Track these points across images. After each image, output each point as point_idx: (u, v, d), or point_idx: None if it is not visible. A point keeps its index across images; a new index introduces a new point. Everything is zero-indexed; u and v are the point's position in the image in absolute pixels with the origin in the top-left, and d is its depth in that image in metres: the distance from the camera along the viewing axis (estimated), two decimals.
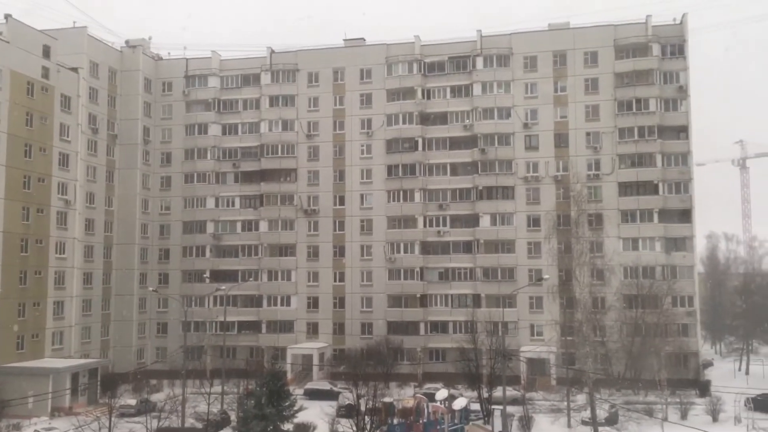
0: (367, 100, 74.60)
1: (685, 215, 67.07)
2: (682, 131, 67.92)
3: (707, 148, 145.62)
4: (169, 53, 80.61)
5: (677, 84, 68.05)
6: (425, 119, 73.08)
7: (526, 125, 70.20)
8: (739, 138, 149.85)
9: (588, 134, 69.04)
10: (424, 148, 72.54)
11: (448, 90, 73.15)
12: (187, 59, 78.91)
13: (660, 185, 67.00)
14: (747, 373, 73.22)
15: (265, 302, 74.22)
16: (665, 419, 45.80)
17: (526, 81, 70.88)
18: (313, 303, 73.58)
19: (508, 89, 71.04)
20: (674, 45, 68.82)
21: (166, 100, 78.60)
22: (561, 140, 69.65)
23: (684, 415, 51.16)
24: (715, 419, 50.54)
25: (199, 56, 78.64)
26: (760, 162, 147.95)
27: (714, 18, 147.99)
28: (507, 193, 70.15)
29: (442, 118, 73.01)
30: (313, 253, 74.18)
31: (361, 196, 73.83)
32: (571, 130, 69.46)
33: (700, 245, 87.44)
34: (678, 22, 69.10)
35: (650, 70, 67.96)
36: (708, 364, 73.67)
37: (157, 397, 55.96)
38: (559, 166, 69.18)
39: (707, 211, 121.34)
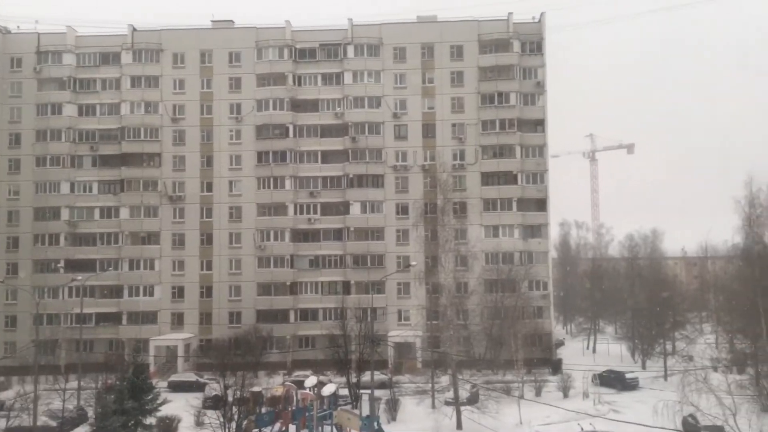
0: (236, 84, 72.96)
1: (540, 204, 71.20)
2: (539, 124, 71.92)
3: (561, 141, 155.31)
4: (18, 26, 74.71)
5: (535, 79, 71.87)
6: (296, 106, 72.59)
7: (395, 115, 71.55)
8: (590, 132, 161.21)
9: (454, 125, 71.48)
10: (295, 135, 72.09)
11: (320, 77, 73.04)
12: (39, 34, 73.50)
13: (519, 175, 70.65)
14: (594, 351, 79.19)
15: (126, 292, 70.97)
16: (521, 397, 48.56)
17: (396, 71, 72.16)
18: (179, 293, 71.32)
19: (378, 79, 72.01)
20: (533, 42, 72.54)
21: (15, 77, 72.93)
22: (429, 131, 71.63)
23: (538, 392, 54.63)
24: (565, 395, 54.35)
25: (53, 31, 73.41)
26: (608, 155, 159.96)
27: (570, 18, 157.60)
28: (377, 181, 71.26)
29: (313, 105, 72.82)
30: (179, 241, 71.81)
31: (230, 182, 72.27)
32: (438, 121, 71.60)
33: (554, 232, 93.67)
34: (537, 20, 72.89)
35: (511, 65, 71.30)
36: (560, 344, 78.88)
37: (5, 395, 52.15)
38: (427, 155, 71.14)
39: (561, 201, 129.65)
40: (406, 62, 72.16)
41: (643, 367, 67.00)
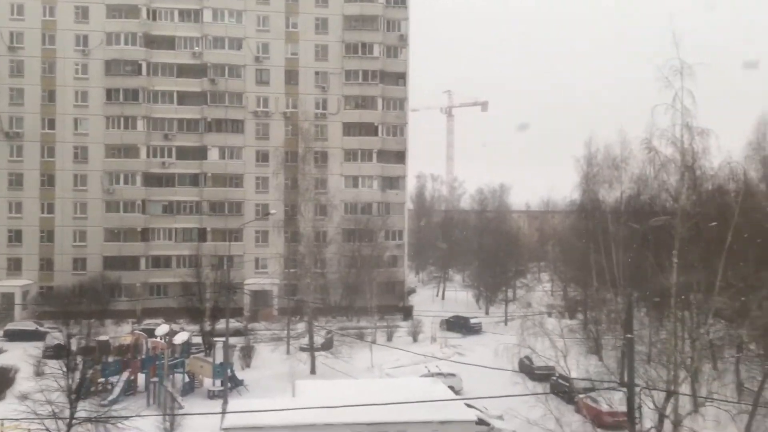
0: (83, 13, 67.51)
1: (399, 156, 72.75)
2: (401, 78, 72.89)
3: (421, 96, 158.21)
4: None
5: (399, 32, 72.45)
6: (150, 42, 68.51)
7: (257, 59, 69.59)
8: (447, 88, 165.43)
9: (317, 73, 70.75)
10: (148, 73, 68.21)
11: (177, 13, 69.25)
12: None
13: (380, 127, 71.58)
14: (443, 298, 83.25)
15: None
16: (374, 342, 50.37)
17: (259, 13, 69.89)
18: (16, 236, 66.38)
19: (240, 19, 69.47)
20: None
21: None
22: (291, 77, 70.43)
23: (390, 338, 56.87)
24: (415, 340, 56.99)
25: None
26: (464, 111, 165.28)
27: None
28: (237, 126, 69.39)
29: (169, 43, 69.08)
30: (16, 182, 66.45)
31: (75, 120, 67.47)
32: (301, 68, 70.51)
33: (411, 184, 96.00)
34: None
35: (375, 16, 71.30)
36: (412, 291, 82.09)
37: None
38: (289, 102, 70.13)
39: (418, 154, 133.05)
40: (270, 4, 70.04)
41: (487, 312, 71.45)
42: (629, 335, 21.01)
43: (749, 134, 39.00)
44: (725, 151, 28.77)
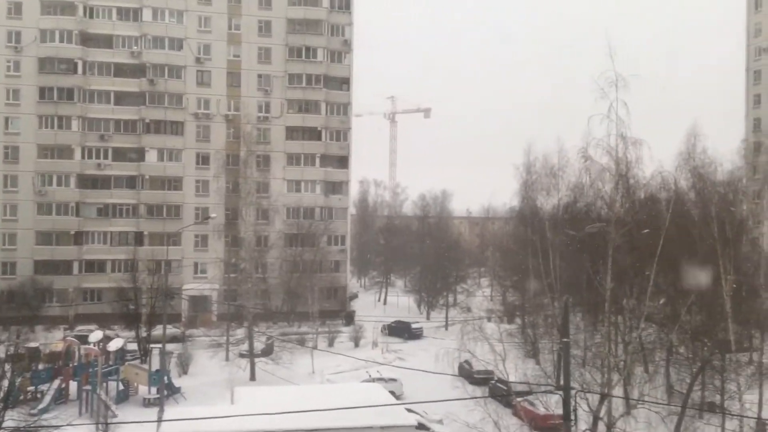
0: (16, 9, 65.16)
1: (342, 161, 72.69)
2: (344, 83, 72.89)
3: (365, 101, 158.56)
4: None
5: (343, 37, 72.46)
6: (87, 40, 66.60)
7: (198, 60, 68.48)
8: (391, 94, 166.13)
9: (260, 76, 70.07)
10: (84, 72, 66.30)
11: (115, 11, 67.53)
12: None
13: (323, 132, 71.33)
14: (385, 303, 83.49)
15: None
16: (315, 347, 50.05)
17: (200, 14, 68.81)
18: None
19: (180, 19, 68.24)
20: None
21: None
22: (233, 79, 69.55)
23: (331, 343, 56.64)
24: (357, 345, 56.94)
25: None
26: (407, 117, 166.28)
27: None
28: (176, 128, 68.05)
29: (106, 41, 67.28)
30: None
31: (6, 119, 65.04)
32: (243, 70, 69.72)
33: (354, 189, 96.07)
34: None
35: (320, 20, 71.11)
36: (354, 297, 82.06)
37: None
38: (231, 105, 69.23)
39: (361, 159, 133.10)
40: (212, 5, 69.03)
41: (428, 317, 72.03)
42: (565, 339, 21.43)
43: (679, 145, 40.43)
44: (657, 160, 29.84)
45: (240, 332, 51.70)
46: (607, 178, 26.55)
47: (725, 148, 54.37)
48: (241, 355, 47.23)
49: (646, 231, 31.23)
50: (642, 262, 29.89)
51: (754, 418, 31.51)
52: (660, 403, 29.56)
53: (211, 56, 68.94)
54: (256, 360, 45.46)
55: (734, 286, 33.12)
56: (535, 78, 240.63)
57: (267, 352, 48.20)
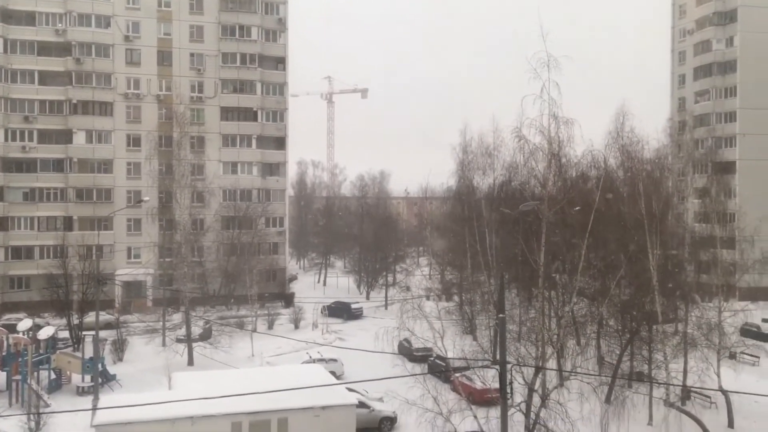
0: None
1: (279, 142, 71.86)
2: (280, 62, 71.84)
3: (301, 81, 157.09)
4: None
5: (278, 16, 71.28)
6: (8, 17, 63.54)
7: (127, 38, 66.22)
8: (328, 74, 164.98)
9: (192, 55, 68.34)
10: (6, 51, 63.30)
11: None
12: None
13: (259, 112, 70.29)
14: (325, 284, 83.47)
15: None
16: (254, 330, 49.74)
17: None
18: None
19: None
20: None
21: None
22: (165, 58, 67.62)
23: (271, 326, 56.39)
24: (296, 327, 56.86)
25: None
26: (344, 97, 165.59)
27: None
28: (105, 109, 65.83)
29: (29, 18, 64.27)
30: None
31: None
32: (175, 48, 67.83)
33: (292, 171, 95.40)
34: None
35: None
36: (293, 278, 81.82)
37: None
38: (163, 85, 67.35)
39: (299, 140, 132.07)
40: None
41: (368, 297, 72.45)
42: (501, 315, 21.97)
43: (608, 124, 41.60)
44: (588, 140, 30.65)
45: (177, 317, 50.88)
46: (540, 157, 27.13)
47: (652, 127, 56.57)
48: (178, 340, 46.44)
49: (577, 208, 32.16)
50: (574, 238, 30.79)
51: (680, 385, 33.07)
52: (591, 374, 30.65)
53: (140, 34, 66.75)
54: (194, 345, 44.85)
55: (661, 260, 34.46)
56: (473, 58, 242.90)
57: (205, 336, 47.61)
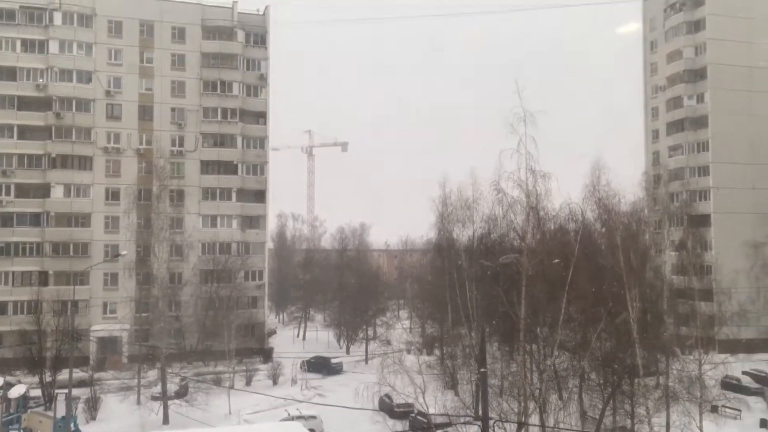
0: None
1: (260, 195, 71.83)
2: (261, 116, 72.47)
3: (282, 135, 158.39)
4: None
5: (259, 71, 72.24)
6: None
7: (108, 93, 66.57)
8: (308, 128, 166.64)
9: (173, 110, 68.77)
10: None
11: (19, 42, 64.83)
12: None
13: (239, 166, 70.44)
14: (304, 338, 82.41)
15: None
16: (232, 387, 48.74)
17: (110, 46, 67.07)
18: None
19: (89, 52, 66.29)
20: (257, 34, 72.72)
21: None
22: (145, 113, 67.93)
23: (249, 382, 55.28)
24: (275, 383, 55.82)
25: None
26: (324, 151, 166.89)
27: (296, 15, 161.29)
28: (84, 163, 65.59)
29: (10, 74, 64.39)
30: None
31: None
32: (156, 103, 68.24)
33: (272, 223, 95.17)
34: (261, 13, 73.31)
35: (235, 54, 70.74)
36: (272, 333, 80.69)
37: None
38: (143, 139, 67.46)
39: (279, 193, 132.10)
40: (123, 38, 67.46)
41: (348, 352, 71.55)
42: (483, 369, 21.82)
43: (585, 177, 42.23)
44: (565, 193, 31.13)
45: (152, 374, 49.81)
46: (519, 210, 27.48)
47: (628, 181, 57.57)
48: (154, 398, 45.37)
49: (557, 261, 32.34)
50: (554, 291, 30.86)
51: None
52: (574, 430, 30.34)
53: (121, 89, 67.16)
54: (170, 402, 43.77)
55: (640, 312, 34.62)
56: (450, 113, 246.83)
57: (181, 393, 46.53)
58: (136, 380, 49.06)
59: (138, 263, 59.01)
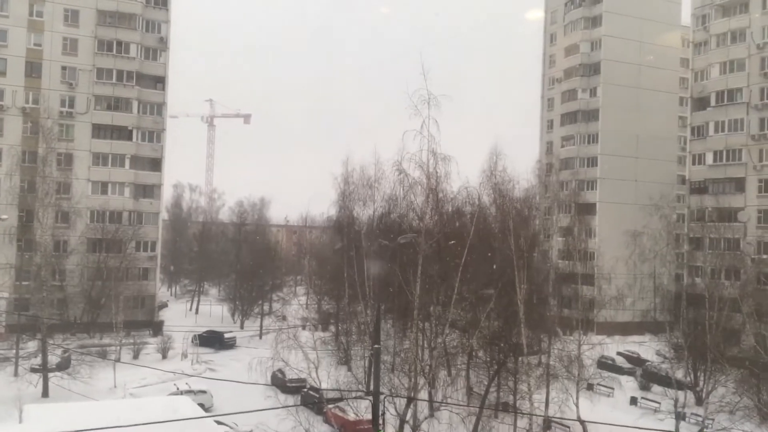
0: None
1: (155, 163, 69.26)
2: (159, 82, 69.62)
3: (181, 102, 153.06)
4: None
5: (159, 34, 69.27)
6: None
7: None
8: (209, 97, 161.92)
9: (64, 68, 64.84)
10: None
11: None
12: None
13: (134, 132, 67.54)
14: (197, 312, 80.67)
15: None
16: (118, 360, 47.16)
17: None
18: None
19: None
20: None
21: None
22: (33, 69, 63.66)
23: (137, 355, 53.69)
24: (164, 356, 54.46)
25: None
26: (226, 122, 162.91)
27: None
28: None
29: None
30: None
31: None
32: (45, 60, 64.09)
33: (167, 193, 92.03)
34: None
35: (134, 14, 67.37)
36: (163, 306, 78.49)
37: None
38: (29, 97, 63.29)
39: (176, 162, 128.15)
40: None
41: (242, 327, 70.74)
42: (376, 345, 22.20)
43: (483, 162, 43.43)
44: (464, 176, 31.93)
45: (32, 345, 47.35)
46: (419, 191, 27.99)
47: (522, 168, 59.76)
48: (33, 370, 43.17)
49: (452, 242, 33.23)
50: (448, 271, 31.74)
51: (542, 416, 34.63)
52: (460, 405, 31.52)
53: (6, 43, 62.63)
54: (50, 375, 41.85)
55: (527, 294, 36.20)
56: (355, 91, 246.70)
57: (63, 366, 44.54)
58: (14, 351, 46.54)
59: (20, 229, 55.76)
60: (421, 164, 26.56)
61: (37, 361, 43.59)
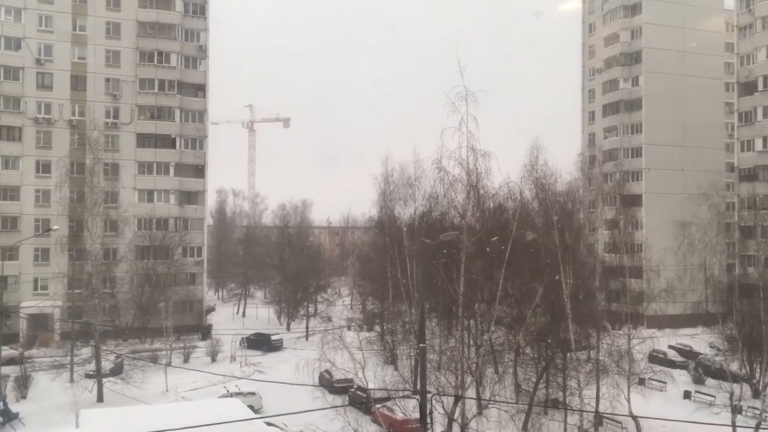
0: None
1: (198, 170, 70.43)
2: (200, 89, 70.77)
3: (222, 109, 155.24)
4: None
5: (198, 43, 70.42)
6: None
7: (39, 61, 63.78)
8: (249, 103, 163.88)
9: (108, 80, 66.43)
10: None
11: None
12: None
13: (177, 140, 68.81)
14: (244, 315, 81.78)
15: None
16: (169, 364, 48.06)
17: (41, 12, 64.14)
18: None
19: (18, 18, 63.30)
20: (197, 4, 70.64)
21: None
22: (78, 83, 65.42)
23: (187, 359, 54.62)
24: (214, 360, 55.30)
25: None
26: (266, 126, 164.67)
27: None
28: (13, 134, 62.90)
29: None
30: None
31: None
32: (89, 73, 65.77)
33: (211, 199, 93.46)
34: None
35: (173, 24, 68.64)
36: (211, 310, 79.73)
37: None
38: (76, 110, 65.05)
39: (219, 168, 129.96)
40: (54, 4, 64.50)
41: (288, 329, 71.41)
42: (422, 344, 22.12)
43: (524, 157, 42.99)
44: (504, 172, 31.58)
45: (86, 351, 48.58)
46: (459, 188, 27.77)
47: (564, 161, 58.81)
48: (88, 376, 44.32)
49: (495, 239, 32.95)
50: (492, 268, 31.47)
51: (593, 412, 34.08)
52: (509, 402, 31.24)
53: (53, 57, 64.44)
54: (104, 380, 42.90)
55: (573, 289, 35.71)
56: (394, 91, 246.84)
57: (116, 371, 45.61)
58: (69, 358, 47.83)
59: (70, 238, 57.24)
60: (460, 161, 26.37)
61: (91, 367, 44.68)
